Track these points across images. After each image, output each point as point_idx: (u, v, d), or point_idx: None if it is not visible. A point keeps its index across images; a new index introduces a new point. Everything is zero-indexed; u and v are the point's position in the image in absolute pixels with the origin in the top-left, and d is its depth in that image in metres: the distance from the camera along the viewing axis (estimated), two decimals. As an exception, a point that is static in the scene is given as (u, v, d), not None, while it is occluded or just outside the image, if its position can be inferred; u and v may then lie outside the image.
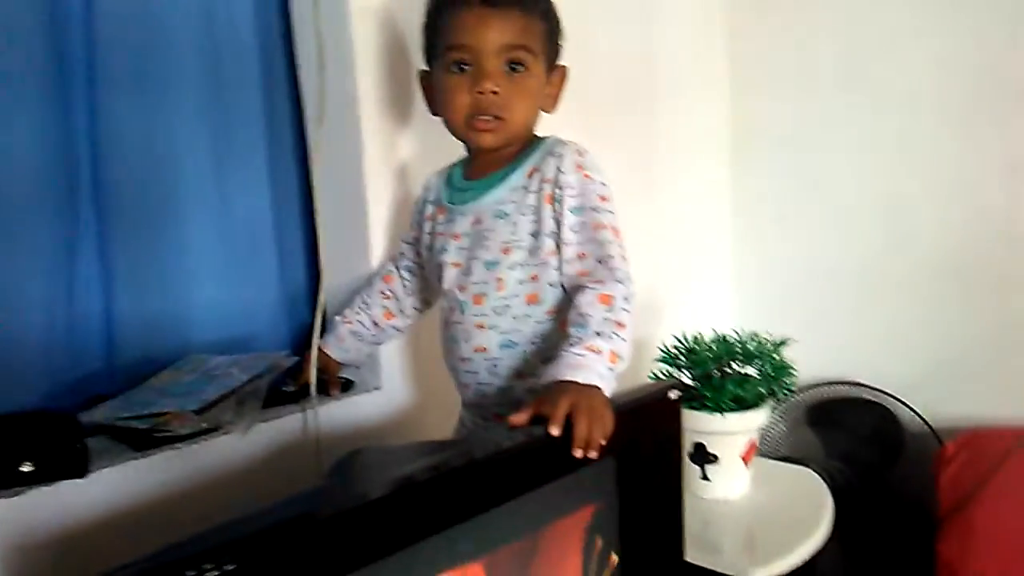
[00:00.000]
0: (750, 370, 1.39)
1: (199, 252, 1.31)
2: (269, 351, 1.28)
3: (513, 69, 1.05)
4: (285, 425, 1.19)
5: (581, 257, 1.03)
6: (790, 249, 2.08)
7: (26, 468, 0.95)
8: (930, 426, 1.83)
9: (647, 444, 0.99)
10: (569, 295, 1.04)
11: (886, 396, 1.88)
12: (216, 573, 0.61)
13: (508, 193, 1.07)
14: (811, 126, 2.01)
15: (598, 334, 0.96)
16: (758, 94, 2.08)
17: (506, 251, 1.06)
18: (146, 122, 1.23)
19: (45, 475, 0.96)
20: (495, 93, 1.04)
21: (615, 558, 0.94)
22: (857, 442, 1.91)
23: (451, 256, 1.11)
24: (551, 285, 1.05)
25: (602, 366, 0.94)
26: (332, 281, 1.36)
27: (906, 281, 1.90)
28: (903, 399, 1.86)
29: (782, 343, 1.43)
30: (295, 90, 1.38)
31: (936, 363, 1.87)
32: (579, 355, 0.94)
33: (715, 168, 2.13)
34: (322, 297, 1.23)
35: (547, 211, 1.05)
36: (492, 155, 1.10)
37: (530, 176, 1.07)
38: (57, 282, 1.17)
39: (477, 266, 1.08)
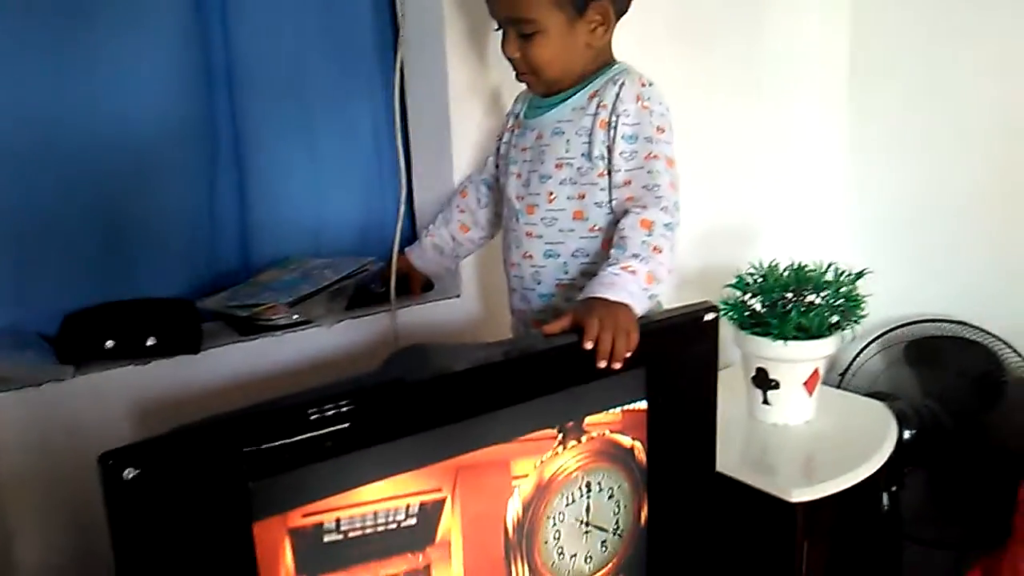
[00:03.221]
0: (816, 299, 1.39)
1: (316, 170, 1.46)
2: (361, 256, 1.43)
3: (525, 36, 1.11)
4: (369, 323, 1.34)
5: (627, 183, 1.10)
6: (905, 178, 1.98)
7: (151, 342, 1.15)
8: (1034, 371, 1.75)
9: (679, 360, 1.05)
10: (616, 218, 1.10)
11: (990, 336, 1.80)
12: (334, 411, 0.77)
13: (568, 112, 1.15)
14: (939, 43, 1.86)
15: (635, 256, 1.03)
16: (882, 9, 1.95)
17: (558, 167, 1.14)
18: (272, 50, 1.38)
19: (166, 349, 1.16)
20: (514, 58, 1.14)
21: (643, 459, 1.03)
22: (956, 382, 1.85)
23: (516, 167, 1.21)
24: (597, 205, 1.12)
25: (635, 286, 1.01)
26: (420, 197, 1.49)
27: (1022, 220, 1.79)
28: (1009, 342, 1.78)
29: (859, 275, 1.42)
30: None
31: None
32: (614, 274, 1.02)
33: (831, 91, 2.04)
34: (401, 209, 1.35)
35: (599, 135, 1.11)
36: (557, 86, 1.17)
37: (590, 99, 1.13)
38: (199, 195, 1.35)
39: (534, 178, 1.17)
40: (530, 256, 1.17)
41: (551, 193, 1.15)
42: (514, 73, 1.17)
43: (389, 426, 0.82)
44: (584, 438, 0.97)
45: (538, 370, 0.95)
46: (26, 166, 1.19)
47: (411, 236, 1.55)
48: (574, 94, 1.15)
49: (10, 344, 1.13)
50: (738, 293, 1.45)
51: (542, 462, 0.94)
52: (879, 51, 1.98)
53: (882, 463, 1.33)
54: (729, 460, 1.26)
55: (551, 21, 1.10)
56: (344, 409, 0.78)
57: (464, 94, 1.40)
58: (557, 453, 0.96)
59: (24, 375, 1.05)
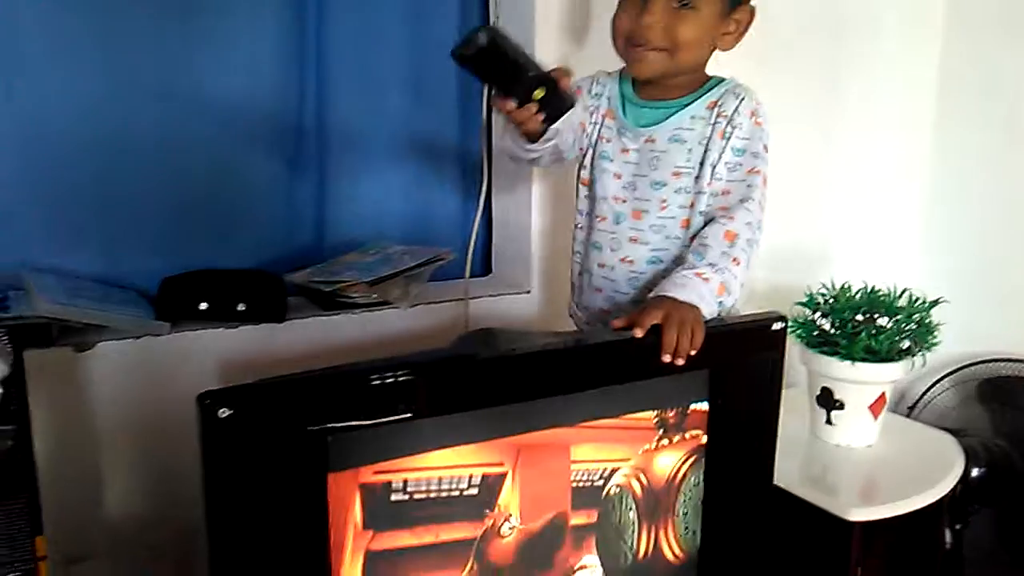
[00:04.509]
0: (888, 323, 1.38)
1: (396, 167, 1.54)
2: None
3: (683, 4, 1.07)
4: (442, 309, 1.39)
5: (725, 193, 1.12)
6: (988, 212, 1.93)
7: (241, 307, 1.23)
8: (1117, 420, 1.68)
9: (743, 365, 1.07)
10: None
11: (1069, 380, 1.75)
12: (392, 379, 0.82)
13: (688, 120, 1.13)
14: (1019, 75, 1.83)
15: (711, 265, 1.06)
16: (976, 32, 1.91)
17: (676, 175, 1.13)
18: (364, 45, 1.46)
19: (254, 315, 1.24)
20: (649, 28, 1.07)
21: (696, 458, 1.05)
22: (1029, 425, 1.80)
23: (614, 166, 1.16)
24: (701, 213, 1.13)
25: (706, 290, 1.04)
26: (497, 197, 1.55)
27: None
28: (1090, 387, 1.72)
29: (934, 303, 1.40)
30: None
31: None
32: (687, 277, 1.05)
33: (917, 114, 2.00)
34: (480, 207, 1.40)
35: (717, 144, 1.11)
36: (662, 82, 1.14)
37: (710, 108, 1.13)
38: (281, 192, 1.45)
39: (643, 184, 1.15)
40: (631, 261, 1.16)
41: (663, 200, 1.13)
42: (624, 46, 1.11)
43: (457, 398, 0.86)
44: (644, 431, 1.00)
45: (602, 360, 0.98)
46: (139, 141, 1.29)
47: (487, 236, 1.60)
48: (692, 102, 1.14)
49: (116, 299, 1.22)
50: (807, 311, 1.45)
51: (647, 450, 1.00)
52: (970, 83, 1.94)
53: (945, 492, 1.31)
54: (788, 476, 1.26)
55: (709, 3, 1.08)
56: (416, 378, 0.83)
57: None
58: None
59: (128, 325, 1.14)
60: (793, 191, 1.78)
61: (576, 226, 1.23)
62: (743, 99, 1.12)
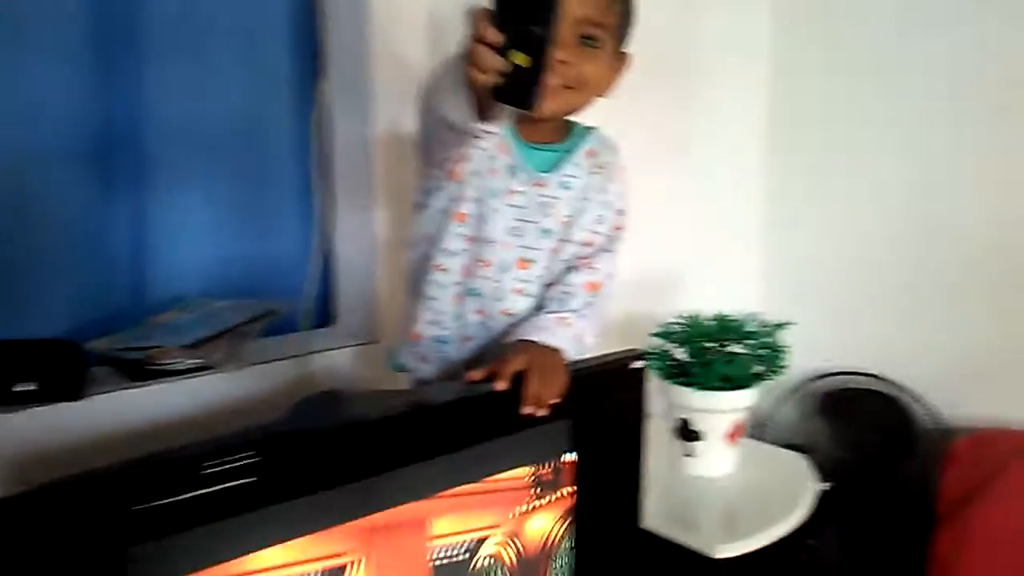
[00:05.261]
0: (740, 350, 1.38)
1: (223, 209, 1.38)
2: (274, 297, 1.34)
3: (586, 43, 0.99)
4: (278, 369, 1.25)
5: (589, 244, 1.07)
6: (820, 234, 2.03)
7: (27, 387, 1.03)
8: (943, 424, 1.79)
9: (606, 410, 1.01)
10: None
11: (902, 390, 1.84)
12: (231, 465, 0.69)
13: (572, 168, 1.06)
14: (851, 109, 1.95)
15: (574, 311, 1.02)
16: (800, 72, 2.03)
17: (565, 223, 1.05)
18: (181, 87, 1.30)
19: (43, 395, 1.04)
20: (564, 63, 0.96)
21: (569, 516, 0.97)
22: (869, 434, 1.88)
23: (499, 203, 1.02)
24: (563, 261, 1.06)
25: (569, 335, 0.99)
26: (340, 241, 1.43)
27: (934, 275, 1.85)
28: (919, 394, 1.82)
29: (780, 326, 1.42)
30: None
31: (957, 361, 1.81)
32: (547, 320, 0.99)
33: (750, 146, 2.09)
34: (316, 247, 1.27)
35: (593, 196, 1.06)
36: (541, 125, 1.05)
37: (588, 157, 1.07)
38: (92, 232, 1.25)
39: (531, 231, 1.04)
40: (511, 313, 1.04)
41: (553, 250, 1.05)
42: None
43: (291, 483, 0.74)
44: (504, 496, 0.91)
45: (459, 419, 0.88)
46: None
47: (325, 279, 1.48)
48: (573, 148, 1.07)
49: None
50: (661, 342, 1.43)
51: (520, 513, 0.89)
52: (798, 110, 2.05)
53: (804, 515, 1.31)
54: (652, 515, 1.21)
55: (609, 42, 1.01)
56: (243, 462, 0.70)
57: (389, 137, 1.36)
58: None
59: None
60: (641, 222, 1.78)
61: (434, 266, 1.06)
62: (615, 152, 1.09)
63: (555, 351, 0.96)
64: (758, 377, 1.38)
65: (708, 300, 1.55)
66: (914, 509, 1.73)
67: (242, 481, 0.70)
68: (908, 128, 1.86)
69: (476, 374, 0.93)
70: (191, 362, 1.12)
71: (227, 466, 0.69)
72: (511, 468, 0.92)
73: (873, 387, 1.91)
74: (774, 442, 1.84)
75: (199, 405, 1.15)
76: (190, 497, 0.67)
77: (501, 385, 0.88)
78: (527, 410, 0.89)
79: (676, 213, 1.90)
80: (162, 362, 1.11)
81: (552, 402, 0.91)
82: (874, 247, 1.95)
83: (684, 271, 1.92)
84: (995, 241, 1.76)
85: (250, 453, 0.70)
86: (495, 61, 0.79)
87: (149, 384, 1.12)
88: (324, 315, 1.50)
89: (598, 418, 0.99)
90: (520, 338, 0.97)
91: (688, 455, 1.40)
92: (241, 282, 1.39)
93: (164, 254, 1.33)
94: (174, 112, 1.30)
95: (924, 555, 1.57)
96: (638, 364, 1.02)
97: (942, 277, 1.84)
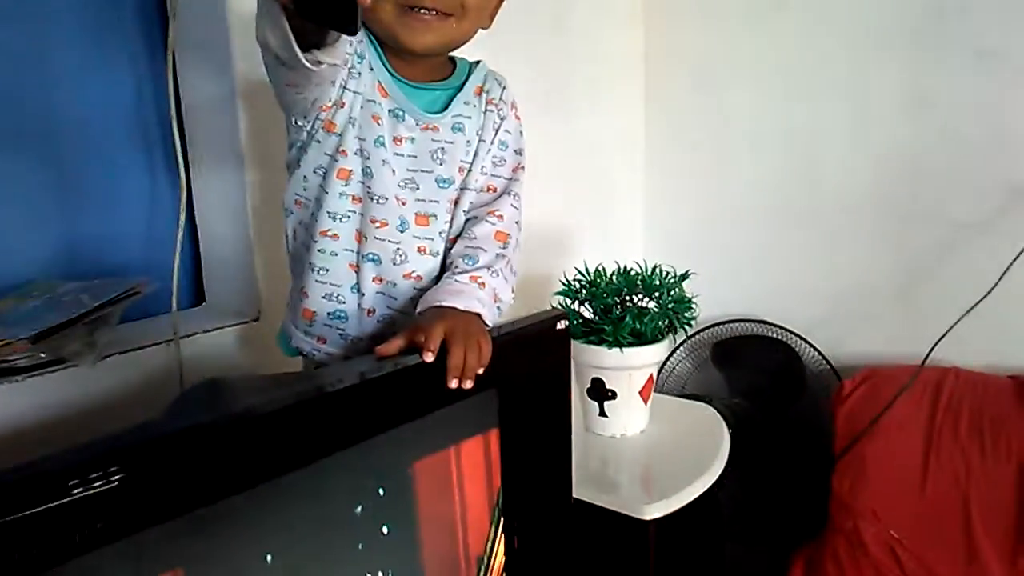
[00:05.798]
0: (650, 304, 1.34)
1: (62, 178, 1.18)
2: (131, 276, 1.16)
3: None
4: (145, 357, 1.08)
5: (490, 190, 0.99)
6: (700, 185, 2.04)
7: None
8: (831, 363, 1.84)
9: (532, 375, 0.93)
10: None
11: (789, 333, 1.88)
12: (103, 483, 0.54)
13: (463, 107, 0.96)
14: (720, 59, 1.96)
15: (487, 267, 0.93)
16: (671, 23, 2.01)
17: (461, 170, 0.96)
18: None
19: None
20: None
21: (499, 494, 0.89)
22: (760, 379, 1.91)
23: (385, 154, 0.90)
24: (464, 212, 0.97)
25: (485, 295, 0.91)
26: (202, 205, 1.26)
27: (810, 219, 1.89)
28: (805, 336, 1.87)
29: (684, 276, 1.38)
30: None
31: (837, 301, 1.87)
32: (462, 283, 0.90)
33: (629, 98, 2.06)
34: (181, 219, 1.11)
35: (488, 135, 0.97)
36: (421, 62, 0.93)
37: (477, 94, 0.98)
38: None
39: (427, 181, 0.94)
40: (418, 277, 0.94)
41: (451, 200, 0.96)
42: (397, 12, 0.86)
43: (188, 494, 0.61)
44: (429, 481, 0.82)
45: (379, 400, 0.77)
46: None
47: (193, 253, 1.31)
48: (461, 85, 0.96)
49: None
50: (567, 300, 1.36)
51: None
52: (670, 66, 2.04)
53: (722, 467, 1.30)
54: (575, 481, 1.16)
55: None
56: (116, 476, 0.56)
57: (255, 86, 1.19)
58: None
59: None
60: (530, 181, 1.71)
61: (321, 232, 0.92)
62: (504, 87, 1.00)
63: (474, 316, 0.87)
64: (668, 330, 1.34)
65: (591, 256, 1.50)
66: (810, 449, 1.77)
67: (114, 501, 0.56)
68: (781, 73, 1.87)
69: (389, 347, 0.82)
70: (41, 356, 0.94)
71: (97, 484, 0.55)
72: (435, 451, 0.82)
73: (760, 332, 1.94)
74: (670, 394, 1.85)
75: (53, 405, 0.98)
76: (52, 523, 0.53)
77: (429, 357, 0.78)
78: (453, 383, 0.80)
79: (554, 167, 1.83)
80: (5, 359, 0.92)
81: (478, 371, 0.82)
82: (749, 193, 1.97)
83: (565, 227, 1.86)
84: (863, 181, 1.81)
85: (123, 464, 0.56)
86: None
87: (-13, 386, 0.94)
88: (191, 293, 1.33)
89: (525, 386, 0.91)
90: (433, 304, 0.87)
91: (603, 415, 1.35)
92: (92, 263, 1.21)
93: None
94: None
95: (824, 493, 1.61)
96: (563, 324, 0.95)
97: (818, 221, 1.88)
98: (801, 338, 1.87)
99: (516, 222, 0.99)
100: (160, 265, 1.25)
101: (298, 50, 0.72)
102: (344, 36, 0.74)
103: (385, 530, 0.78)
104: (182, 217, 1.12)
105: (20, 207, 1.14)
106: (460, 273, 0.91)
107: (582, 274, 1.39)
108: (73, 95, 1.16)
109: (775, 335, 1.91)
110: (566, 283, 1.38)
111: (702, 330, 1.98)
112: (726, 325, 1.97)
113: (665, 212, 2.11)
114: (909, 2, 1.70)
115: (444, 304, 0.86)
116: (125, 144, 1.23)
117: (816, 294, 1.89)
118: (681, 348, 2.00)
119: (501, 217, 0.97)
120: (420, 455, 0.81)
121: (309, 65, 0.74)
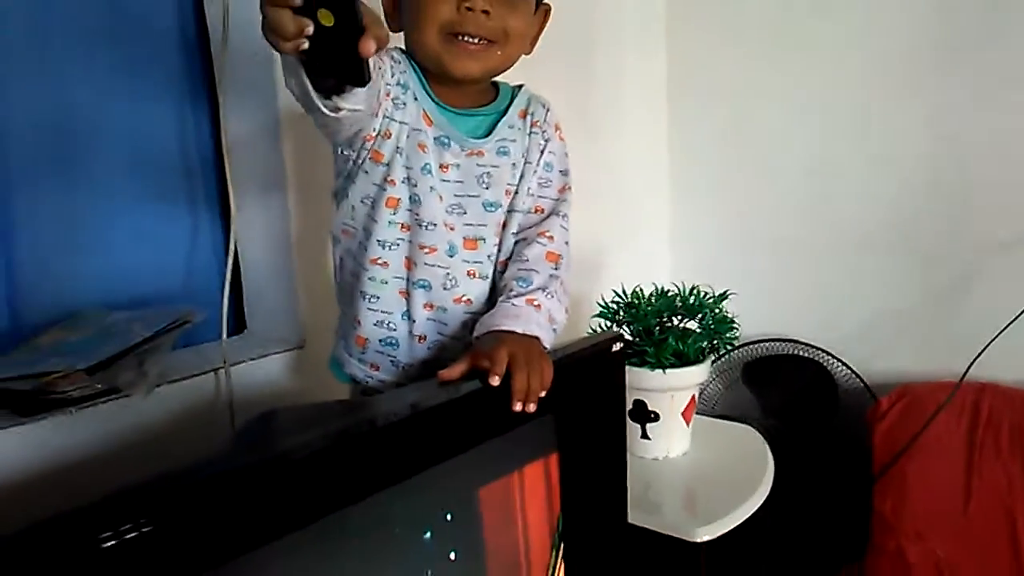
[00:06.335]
0: (691, 324, 1.34)
1: (111, 207, 1.19)
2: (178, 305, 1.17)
3: None
4: (195, 385, 1.08)
5: (538, 211, 1.00)
6: (726, 205, 2.04)
7: None
8: (864, 381, 1.83)
9: (588, 399, 0.93)
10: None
11: (820, 352, 1.87)
12: (135, 534, 0.52)
13: (507, 131, 0.97)
14: (746, 83, 1.97)
15: (541, 289, 0.94)
16: (694, 49, 2.02)
17: (508, 193, 0.97)
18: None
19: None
20: (486, 13, 0.87)
21: (559, 519, 0.89)
22: (793, 399, 1.90)
23: (431, 179, 0.91)
24: (513, 234, 0.99)
25: (541, 318, 0.91)
26: (244, 235, 1.27)
27: (840, 239, 1.88)
28: (837, 355, 1.86)
29: (723, 296, 1.38)
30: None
31: (869, 319, 1.86)
32: (517, 305, 0.91)
33: (653, 123, 2.07)
34: (231, 254, 1.12)
35: (534, 158, 0.99)
36: (465, 89, 0.95)
37: (522, 117, 0.99)
38: None
39: (474, 205, 0.95)
40: (468, 301, 0.95)
41: (499, 224, 0.97)
42: (441, 39, 0.87)
43: (258, 531, 0.60)
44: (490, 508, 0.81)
45: (428, 435, 0.75)
46: None
47: (236, 281, 1.31)
48: (505, 109, 0.98)
49: None
50: (606, 323, 1.36)
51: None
52: (694, 90, 2.05)
53: (769, 488, 1.28)
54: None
55: None
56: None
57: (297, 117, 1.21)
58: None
59: None
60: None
61: (371, 261, 0.92)
62: (548, 110, 1.01)
63: (534, 339, 0.87)
64: (710, 350, 1.33)
65: (619, 277, 1.50)
66: (848, 468, 1.76)
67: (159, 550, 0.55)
68: (809, 97, 1.88)
69: (452, 372, 0.82)
70: (96, 387, 0.94)
71: (139, 530, 0.54)
72: (500, 476, 0.82)
73: (791, 351, 1.93)
74: (703, 413, 1.83)
75: (110, 436, 0.98)
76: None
77: (495, 381, 0.78)
78: (517, 406, 0.80)
79: (582, 191, 1.84)
80: (60, 389, 0.92)
81: (540, 395, 0.81)
82: (778, 214, 1.97)
83: (592, 251, 1.87)
84: (891, 203, 1.80)
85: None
86: (296, 23, 0.64)
87: (44, 417, 0.94)
88: (231, 321, 1.33)
89: (582, 408, 0.91)
90: (492, 328, 0.87)
91: (645, 437, 1.34)
92: (133, 293, 1.21)
93: (43, 266, 1.13)
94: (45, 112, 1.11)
95: (864, 512, 1.59)
96: (618, 346, 0.95)
97: (847, 240, 1.88)
98: (833, 356, 1.86)
99: (566, 242, 1.00)
100: (198, 294, 1.27)
101: (318, 100, 0.73)
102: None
103: (452, 556, 0.77)
104: (232, 247, 1.12)
105: (67, 237, 1.15)
106: (515, 296, 0.92)
107: (620, 296, 1.39)
108: (120, 128, 1.17)
109: (806, 354, 1.90)
110: (603, 305, 1.38)
111: (732, 350, 1.97)
112: (756, 345, 1.97)
113: (692, 233, 2.11)
114: (932, 31, 1.71)
115: (503, 328, 0.86)
116: (168, 175, 1.24)
117: (846, 313, 1.89)
118: (711, 368, 1.99)
119: (552, 238, 0.98)
120: (485, 480, 0.80)
121: (329, 112, 0.75)
